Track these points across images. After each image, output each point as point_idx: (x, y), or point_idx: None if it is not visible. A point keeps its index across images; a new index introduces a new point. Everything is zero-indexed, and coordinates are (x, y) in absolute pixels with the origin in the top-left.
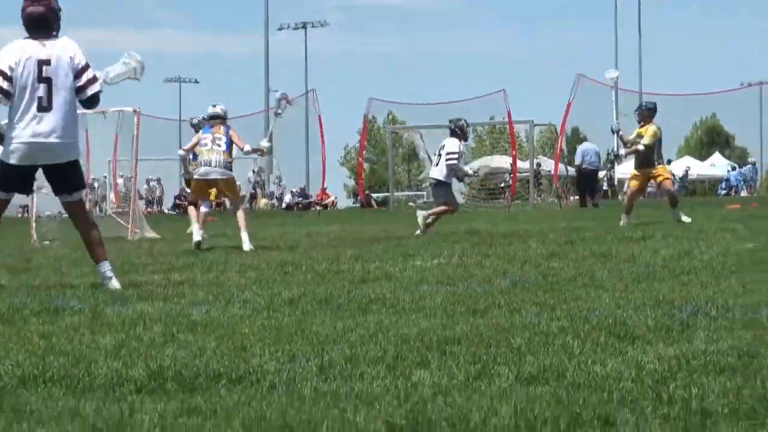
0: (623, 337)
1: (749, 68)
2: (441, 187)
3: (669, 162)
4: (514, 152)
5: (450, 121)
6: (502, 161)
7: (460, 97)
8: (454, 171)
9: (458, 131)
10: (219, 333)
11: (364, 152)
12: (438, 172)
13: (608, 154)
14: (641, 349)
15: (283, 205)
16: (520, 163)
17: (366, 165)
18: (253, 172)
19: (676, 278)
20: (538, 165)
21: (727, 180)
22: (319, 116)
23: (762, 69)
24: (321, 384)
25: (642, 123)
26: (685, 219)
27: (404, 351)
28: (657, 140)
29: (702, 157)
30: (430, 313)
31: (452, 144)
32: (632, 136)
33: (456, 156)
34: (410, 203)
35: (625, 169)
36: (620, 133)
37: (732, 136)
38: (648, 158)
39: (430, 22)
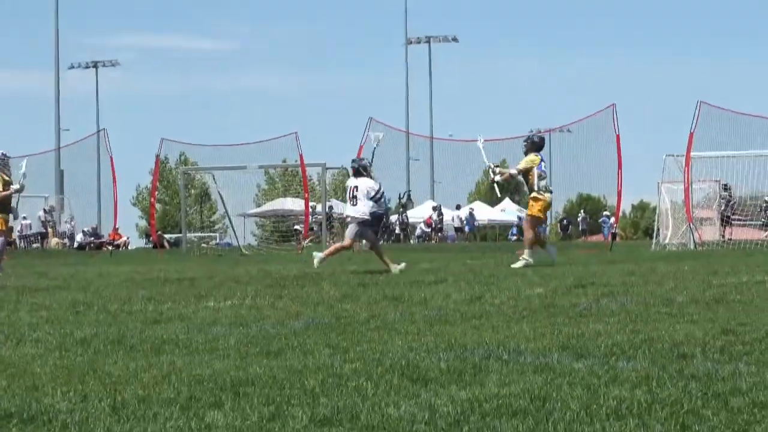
0: (416, 380)
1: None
2: (364, 224)
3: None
4: (306, 195)
5: (353, 161)
6: (295, 204)
7: (254, 139)
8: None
9: (362, 170)
10: (10, 372)
11: (156, 193)
12: (358, 210)
13: (399, 198)
14: (434, 391)
15: (75, 245)
16: (312, 205)
17: (158, 205)
18: (44, 211)
19: (468, 322)
20: (331, 208)
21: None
22: (111, 156)
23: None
24: (114, 425)
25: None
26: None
27: (198, 392)
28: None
29: (493, 203)
30: (223, 354)
31: (367, 182)
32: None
33: (379, 191)
34: (203, 244)
35: (416, 213)
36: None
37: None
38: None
39: (223, 63)
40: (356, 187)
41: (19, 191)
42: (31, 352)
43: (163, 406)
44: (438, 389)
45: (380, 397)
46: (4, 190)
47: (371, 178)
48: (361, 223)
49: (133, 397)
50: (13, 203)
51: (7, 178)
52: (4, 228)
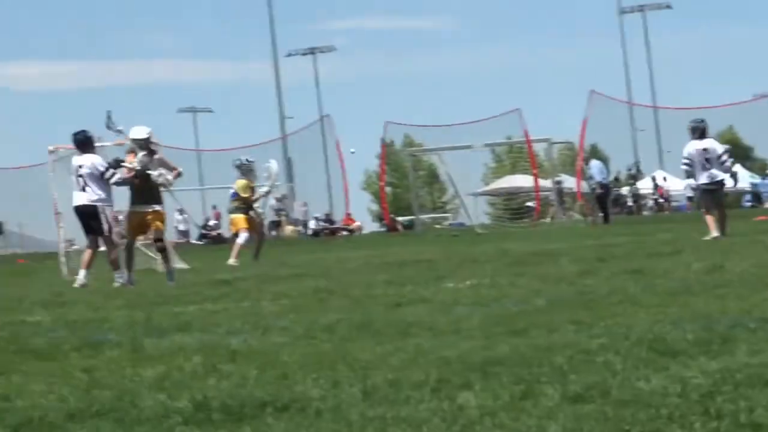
0: (664, 353)
1: (761, 79)
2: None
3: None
4: (534, 171)
5: None
6: (524, 180)
7: (476, 117)
8: None
9: None
10: (260, 362)
11: (385, 176)
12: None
13: (629, 170)
14: (683, 363)
15: (309, 232)
16: (541, 182)
17: (388, 189)
18: (276, 199)
19: (711, 291)
20: (560, 183)
21: (754, 191)
22: (337, 141)
23: None
24: (367, 409)
25: None
26: None
27: (447, 374)
28: None
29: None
30: (468, 335)
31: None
32: None
33: None
34: (436, 225)
35: (646, 185)
36: None
37: (751, 148)
38: None
39: (440, 42)
40: None
41: (267, 194)
42: (279, 341)
43: (413, 389)
44: (687, 361)
45: (629, 371)
46: (250, 195)
47: None
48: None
49: (384, 381)
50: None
51: (252, 184)
52: (246, 226)
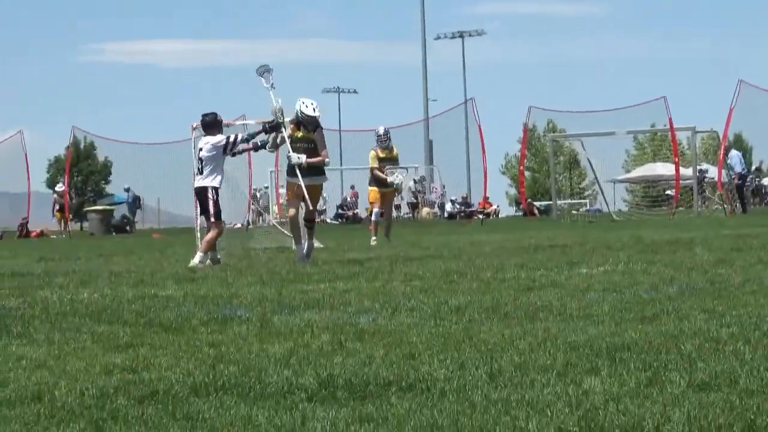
0: None
1: None
2: None
3: None
4: (676, 159)
5: None
6: (665, 169)
7: (621, 104)
8: None
9: None
10: (387, 341)
11: (525, 161)
12: None
13: (761, 162)
14: None
15: (445, 214)
16: (682, 170)
17: (527, 174)
18: (414, 181)
19: None
20: (702, 172)
21: None
22: (479, 125)
23: None
24: (491, 391)
25: None
26: None
27: (574, 358)
28: None
29: None
30: (598, 321)
31: None
32: None
33: None
34: (573, 211)
35: None
36: None
37: None
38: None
39: (587, 29)
40: None
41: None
42: (407, 321)
43: (539, 372)
44: None
45: (759, 361)
46: (378, 167)
47: None
48: None
49: (510, 363)
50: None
51: (383, 155)
52: (375, 200)
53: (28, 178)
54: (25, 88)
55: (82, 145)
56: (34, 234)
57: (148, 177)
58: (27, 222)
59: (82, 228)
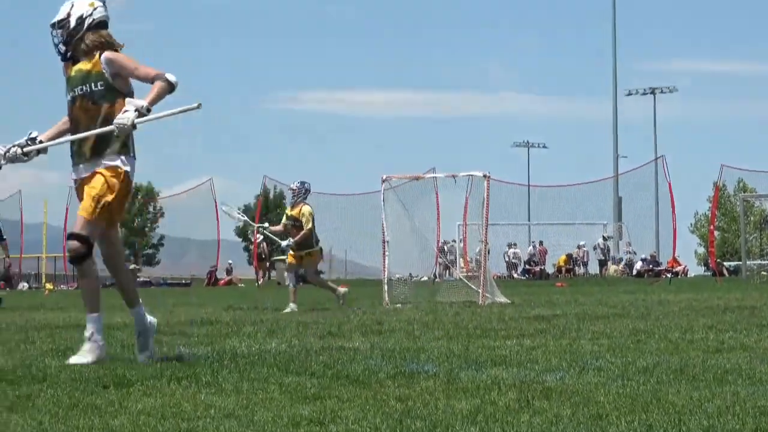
0: None
1: None
2: None
3: None
4: None
5: None
6: None
7: None
8: None
9: None
10: (574, 400)
11: (715, 220)
12: None
13: None
14: None
15: (634, 272)
16: None
17: (717, 233)
18: (604, 238)
19: None
20: None
21: None
22: (669, 183)
23: None
24: None
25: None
26: None
27: (763, 423)
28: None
29: None
30: None
31: None
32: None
33: None
34: (763, 272)
35: None
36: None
37: None
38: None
39: None
40: None
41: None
42: (594, 380)
43: None
44: None
45: None
46: None
47: None
48: None
49: (698, 427)
50: None
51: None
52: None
53: (218, 226)
54: (216, 135)
55: (272, 194)
56: (222, 282)
57: (336, 227)
58: (216, 270)
59: (269, 277)
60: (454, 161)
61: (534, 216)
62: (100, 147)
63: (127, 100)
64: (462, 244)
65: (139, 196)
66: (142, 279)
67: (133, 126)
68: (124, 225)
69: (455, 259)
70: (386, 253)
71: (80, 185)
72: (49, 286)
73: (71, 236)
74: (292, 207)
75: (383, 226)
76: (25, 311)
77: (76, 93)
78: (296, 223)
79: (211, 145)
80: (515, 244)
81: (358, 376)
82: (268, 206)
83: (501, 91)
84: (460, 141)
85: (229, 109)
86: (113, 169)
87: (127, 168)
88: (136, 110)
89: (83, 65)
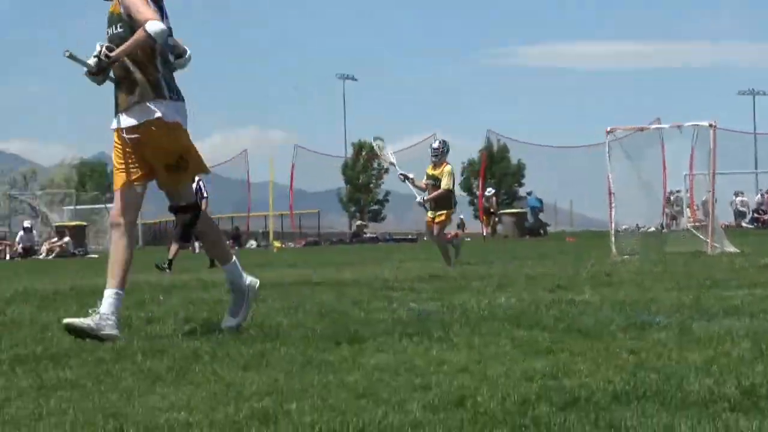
0: None
1: None
2: None
3: None
4: None
5: None
6: None
7: None
8: None
9: None
10: None
11: None
12: None
13: None
14: None
15: None
16: None
17: None
18: None
19: None
20: None
21: None
22: None
23: None
24: None
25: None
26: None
27: None
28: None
29: None
30: None
31: None
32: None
33: None
34: None
35: None
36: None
37: None
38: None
39: None
40: None
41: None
42: None
43: None
44: None
45: None
46: None
47: None
48: None
49: None
50: None
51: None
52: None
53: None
54: (439, 91)
55: (495, 148)
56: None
57: (561, 180)
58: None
59: (495, 231)
60: (680, 111)
61: (761, 164)
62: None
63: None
64: (688, 194)
65: (364, 153)
66: (368, 235)
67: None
68: (350, 182)
69: (682, 209)
70: (612, 205)
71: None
72: (277, 243)
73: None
74: (434, 166)
75: (609, 178)
76: (254, 269)
77: (107, 37)
78: (436, 183)
79: (434, 100)
80: (742, 193)
81: (589, 329)
82: (492, 159)
83: (726, 40)
84: (686, 91)
85: (451, 65)
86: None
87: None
88: (95, 56)
89: (111, 6)
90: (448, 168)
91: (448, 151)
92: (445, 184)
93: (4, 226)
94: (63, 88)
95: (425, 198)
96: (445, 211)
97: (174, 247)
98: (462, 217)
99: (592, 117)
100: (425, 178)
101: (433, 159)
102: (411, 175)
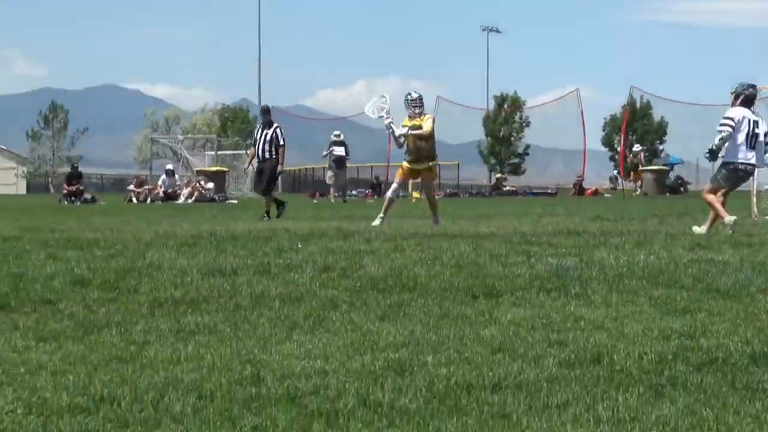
0: None
1: None
2: None
3: None
4: None
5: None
6: None
7: None
8: None
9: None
10: None
11: None
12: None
13: None
14: None
15: None
16: None
17: None
18: None
19: None
20: None
21: None
22: None
23: None
24: None
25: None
26: None
27: None
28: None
29: None
30: None
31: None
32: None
33: None
34: None
35: None
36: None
37: None
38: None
39: None
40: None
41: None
42: None
43: None
44: None
45: None
46: None
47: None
48: None
49: None
50: None
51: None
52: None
53: (584, 136)
54: (583, 45)
55: (638, 104)
56: (588, 192)
57: (705, 138)
58: (582, 180)
59: (637, 188)
60: None
61: None
62: None
63: None
64: None
65: (505, 105)
66: (507, 188)
67: None
68: (491, 134)
69: None
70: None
71: None
72: (416, 194)
73: None
74: (411, 118)
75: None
76: (391, 219)
77: None
78: (417, 130)
79: (577, 54)
80: None
81: (728, 289)
82: (634, 116)
83: None
84: None
85: (595, 19)
86: None
87: None
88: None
89: None
90: (428, 116)
91: (424, 105)
92: (428, 126)
93: (145, 169)
94: (209, 34)
95: (407, 132)
96: (431, 164)
97: (267, 199)
98: (615, 172)
99: (739, 75)
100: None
101: (415, 110)
102: (406, 131)
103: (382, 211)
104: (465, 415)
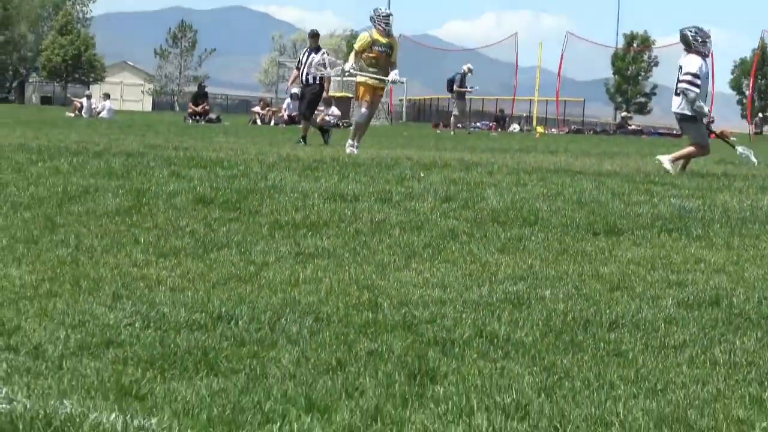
0: None
1: None
2: (686, 121)
3: None
4: None
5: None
6: None
7: None
8: (690, 102)
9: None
10: None
11: None
12: (678, 102)
13: None
14: None
15: None
16: None
17: None
18: None
19: None
20: None
21: None
22: None
23: None
24: None
25: None
26: None
27: None
28: None
29: None
30: None
31: (691, 62)
32: None
33: (692, 78)
34: None
35: None
36: None
37: None
38: None
39: None
40: (680, 66)
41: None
42: None
43: None
44: None
45: None
46: None
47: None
48: (680, 120)
49: None
50: None
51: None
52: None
53: (712, 78)
54: None
55: None
56: (712, 135)
57: None
58: (712, 121)
59: (763, 131)
60: None
61: None
62: None
63: None
64: None
65: (635, 44)
66: (632, 127)
67: None
68: (618, 72)
69: None
70: None
71: None
72: (540, 129)
73: None
74: (386, 35)
75: None
76: (516, 153)
77: None
78: (388, 52)
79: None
80: None
81: None
82: (765, 59)
83: None
84: None
85: None
86: None
87: None
88: None
89: None
90: (395, 41)
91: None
92: (396, 57)
93: (270, 92)
94: None
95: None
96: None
97: (304, 124)
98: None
99: None
100: (373, 44)
101: (386, 27)
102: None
103: (355, 137)
104: (581, 351)
